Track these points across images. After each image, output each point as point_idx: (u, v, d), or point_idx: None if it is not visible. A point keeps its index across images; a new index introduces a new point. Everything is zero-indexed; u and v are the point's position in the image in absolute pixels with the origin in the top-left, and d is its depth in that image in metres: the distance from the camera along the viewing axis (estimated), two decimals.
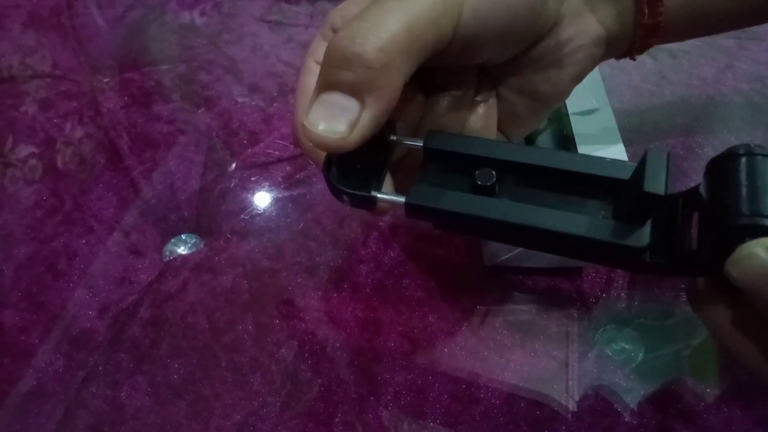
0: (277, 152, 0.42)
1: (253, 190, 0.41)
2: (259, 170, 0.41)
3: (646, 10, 0.28)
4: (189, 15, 0.51)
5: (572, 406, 0.33)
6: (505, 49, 0.26)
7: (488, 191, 0.24)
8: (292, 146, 0.43)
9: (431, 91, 0.27)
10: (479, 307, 0.36)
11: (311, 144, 0.22)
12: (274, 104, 0.45)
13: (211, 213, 0.40)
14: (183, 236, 0.39)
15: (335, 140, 0.21)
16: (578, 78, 0.29)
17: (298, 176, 0.41)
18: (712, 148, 0.42)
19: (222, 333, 0.35)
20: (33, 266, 0.38)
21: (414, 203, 0.24)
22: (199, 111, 0.45)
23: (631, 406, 0.32)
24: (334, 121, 0.21)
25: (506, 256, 0.35)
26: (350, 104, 0.21)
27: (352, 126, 0.21)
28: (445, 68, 0.27)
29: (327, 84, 0.22)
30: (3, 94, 0.46)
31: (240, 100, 0.45)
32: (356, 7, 0.27)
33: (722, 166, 0.22)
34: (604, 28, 0.28)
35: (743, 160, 0.21)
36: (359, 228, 0.39)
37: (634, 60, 0.31)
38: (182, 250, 0.38)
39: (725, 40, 0.48)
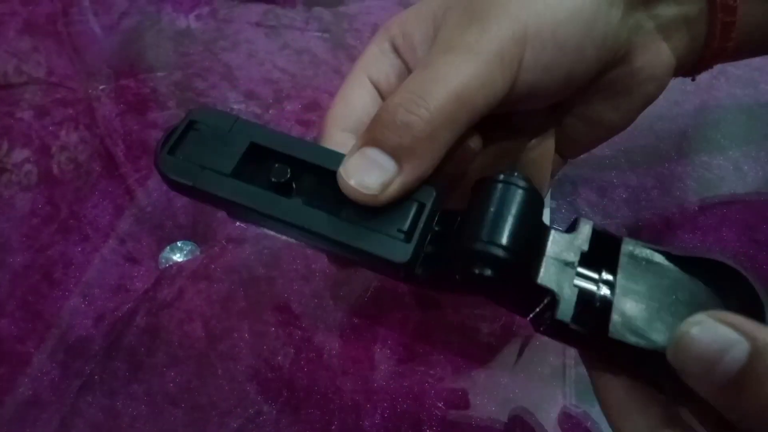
0: None
1: None
2: None
3: (719, 35, 0.26)
4: (185, 21, 0.51)
5: (570, 410, 0.33)
6: (569, 88, 0.26)
7: (283, 189, 0.24)
8: None
9: (487, 129, 0.26)
10: (475, 312, 0.36)
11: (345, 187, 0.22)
12: (270, 111, 0.45)
13: (207, 220, 0.40)
14: (179, 243, 0.39)
15: (364, 196, 0.22)
16: (645, 105, 0.28)
17: None
18: (705, 153, 0.42)
19: (218, 341, 0.35)
20: (29, 275, 0.38)
21: (203, 190, 0.23)
22: None
23: None
24: (369, 177, 0.22)
25: None
26: (388, 165, 0.22)
27: (385, 186, 0.22)
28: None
29: (371, 140, 0.22)
30: None
31: (236, 106, 0.45)
32: (415, 21, 0.26)
33: (480, 189, 0.22)
34: (676, 56, 0.27)
35: (499, 186, 0.22)
36: None
37: (693, 80, 0.30)
38: (178, 258, 0.38)
39: None
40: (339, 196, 0.23)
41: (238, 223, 0.39)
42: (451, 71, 0.22)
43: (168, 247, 0.39)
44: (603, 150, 0.42)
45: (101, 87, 0.46)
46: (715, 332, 0.17)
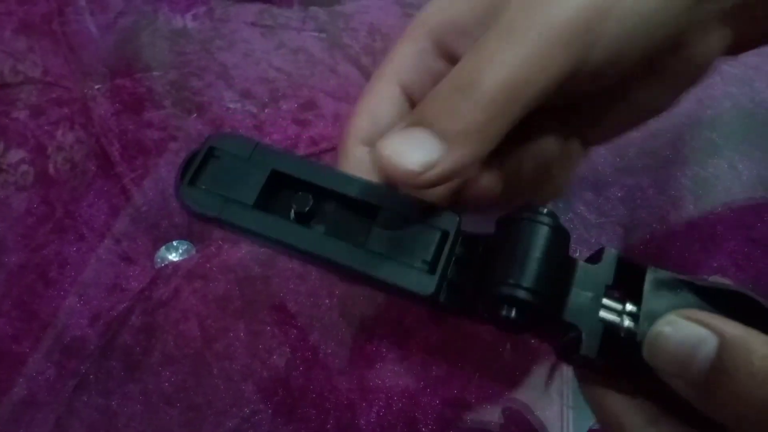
0: None
1: None
2: None
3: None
4: (181, 21, 0.51)
5: (565, 409, 0.33)
6: (637, 66, 0.24)
7: (304, 218, 0.23)
8: None
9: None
10: None
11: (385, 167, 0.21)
12: (266, 110, 0.45)
13: None
14: (174, 243, 0.39)
15: (403, 173, 0.20)
16: (687, 91, 0.27)
17: None
18: (701, 151, 0.42)
19: (214, 340, 0.35)
20: (24, 274, 0.38)
21: (229, 221, 0.23)
22: (191, 117, 0.45)
23: None
24: (413, 153, 0.20)
25: None
26: (435, 146, 0.20)
27: (427, 167, 0.20)
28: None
29: (419, 121, 0.21)
30: None
31: (231, 106, 0.45)
32: (465, 4, 0.24)
33: (505, 226, 0.22)
34: (726, 43, 0.25)
35: (525, 224, 0.21)
36: None
37: (735, 58, 0.29)
38: (174, 257, 0.38)
39: None
40: (361, 224, 0.23)
41: None
42: (506, 54, 0.20)
43: (163, 247, 0.39)
44: (598, 148, 0.42)
45: (97, 86, 0.46)
46: (686, 330, 0.18)
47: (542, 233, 0.21)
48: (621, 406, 0.21)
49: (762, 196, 0.40)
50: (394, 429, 0.32)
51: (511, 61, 0.20)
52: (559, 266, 0.21)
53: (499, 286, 0.20)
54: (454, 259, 0.23)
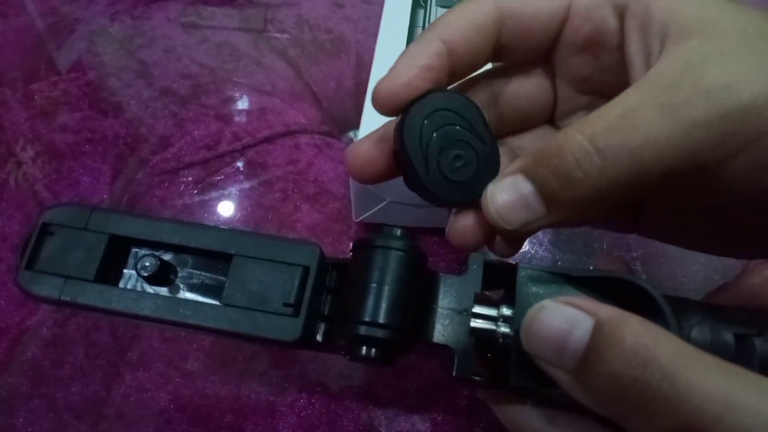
0: (188, 157, 0.41)
1: (162, 197, 0.39)
2: (169, 176, 0.40)
3: None
4: (100, 21, 0.49)
5: None
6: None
7: (157, 279, 0.22)
8: (204, 150, 0.41)
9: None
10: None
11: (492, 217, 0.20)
12: (187, 107, 0.43)
13: None
14: None
15: (502, 229, 0.19)
16: None
17: (209, 180, 0.39)
18: None
19: (126, 349, 0.33)
20: None
21: (70, 302, 0.21)
22: (108, 118, 0.43)
23: None
24: (515, 215, 0.19)
25: (368, 213, 0.35)
26: (538, 208, 0.19)
27: (526, 225, 0.19)
28: None
29: (530, 173, 0.19)
30: None
31: (150, 104, 0.43)
32: None
33: (359, 256, 0.21)
34: None
35: (378, 253, 0.20)
36: (274, 230, 0.37)
37: None
38: None
39: None
40: (220, 275, 0.21)
41: None
42: (654, 131, 0.17)
43: None
44: None
45: (10, 93, 0.44)
46: (561, 313, 0.17)
47: (395, 261, 0.20)
48: (518, 414, 0.20)
49: None
50: (314, 429, 0.31)
51: (657, 142, 0.17)
52: (418, 290, 0.20)
53: (355, 326, 0.19)
54: (326, 291, 0.21)
